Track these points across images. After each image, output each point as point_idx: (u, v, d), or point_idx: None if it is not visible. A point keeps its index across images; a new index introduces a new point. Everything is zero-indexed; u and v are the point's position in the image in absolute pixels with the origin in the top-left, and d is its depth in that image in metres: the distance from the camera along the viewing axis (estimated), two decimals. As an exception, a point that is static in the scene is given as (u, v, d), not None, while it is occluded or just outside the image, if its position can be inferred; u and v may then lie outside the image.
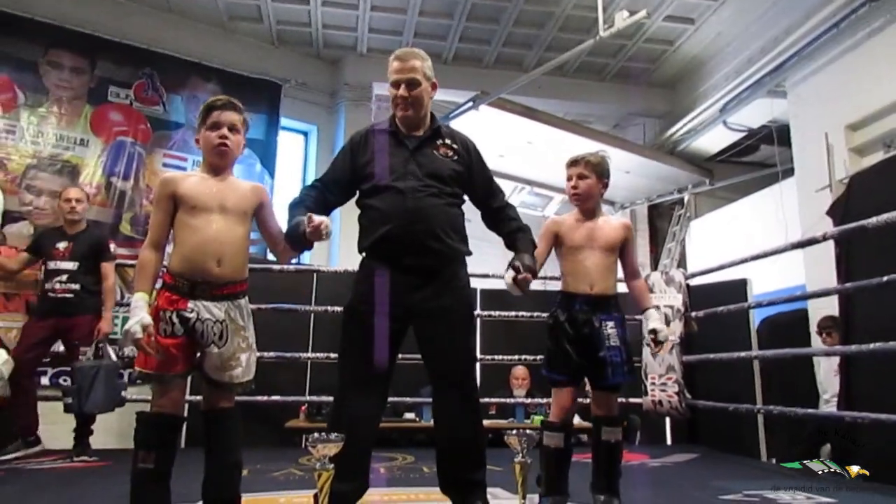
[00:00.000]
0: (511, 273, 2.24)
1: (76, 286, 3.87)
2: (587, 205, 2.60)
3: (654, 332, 2.50)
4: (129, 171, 6.47)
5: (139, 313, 1.92)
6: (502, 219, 2.40)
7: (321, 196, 2.30)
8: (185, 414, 4.05)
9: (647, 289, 2.68)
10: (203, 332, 1.99)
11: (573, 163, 2.60)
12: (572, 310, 2.50)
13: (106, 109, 6.48)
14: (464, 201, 2.35)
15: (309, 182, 2.45)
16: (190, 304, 1.99)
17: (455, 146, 2.32)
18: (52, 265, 3.90)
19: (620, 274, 2.68)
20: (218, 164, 2.12)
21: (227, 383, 2.07)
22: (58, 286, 3.86)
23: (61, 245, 3.93)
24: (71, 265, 3.89)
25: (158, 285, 2.09)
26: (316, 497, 1.90)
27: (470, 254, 2.31)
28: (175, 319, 1.97)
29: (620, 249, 2.60)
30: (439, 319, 2.20)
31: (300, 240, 2.08)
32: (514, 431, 2.10)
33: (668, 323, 4.61)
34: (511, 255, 2.35)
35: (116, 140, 6.47)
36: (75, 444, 3.80)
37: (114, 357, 3.86)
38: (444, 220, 2.21)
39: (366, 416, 2.18)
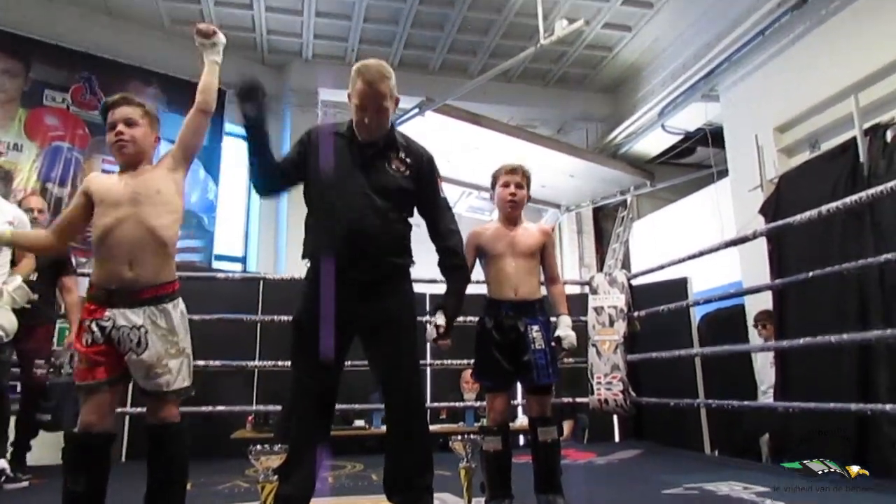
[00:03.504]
0: (431, 331, 2.26)
1: (34, 296, 3.57)
2: (517, 212, 2.67)
3: (558, 339, 2.56)
4: (66, 177, 6.27)
5: None
6: (442, 249, 2.35)
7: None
8: (126, 426, 3.85)
9: (563, 294, 2.75)
10: (119, 340, 1.92)
11: (512, 170, 2.65)
12: (498, 315, 2.56)
13: (41, 113, 6.27)
14: (411, 214, 2.33)
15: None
16: (107, 313, 1.92)
17: (408, 160, 2.26)
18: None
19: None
20: (122, 161, 2.06)
21: (158, 392, 1.98)
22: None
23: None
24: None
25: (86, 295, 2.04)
26: None
27: (413, 264, 2.31)
28: (94, 328, 1.92)
29: (541, 254, 2.66)
30: (383, 328, 2.20)
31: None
32: (459, 437, 2.12)
33: (612, 323, 4.72)
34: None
35: (52, 145, 6.26)
36: (12, 460, 3.60)
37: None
38: (387, 239, 2.20)
39: (315, 423, 2.17)
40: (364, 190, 2.16)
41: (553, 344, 2.55)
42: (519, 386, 3.22)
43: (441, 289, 2.38)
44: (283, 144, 7.88)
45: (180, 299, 2.06)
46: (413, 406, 2.27)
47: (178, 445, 2.04)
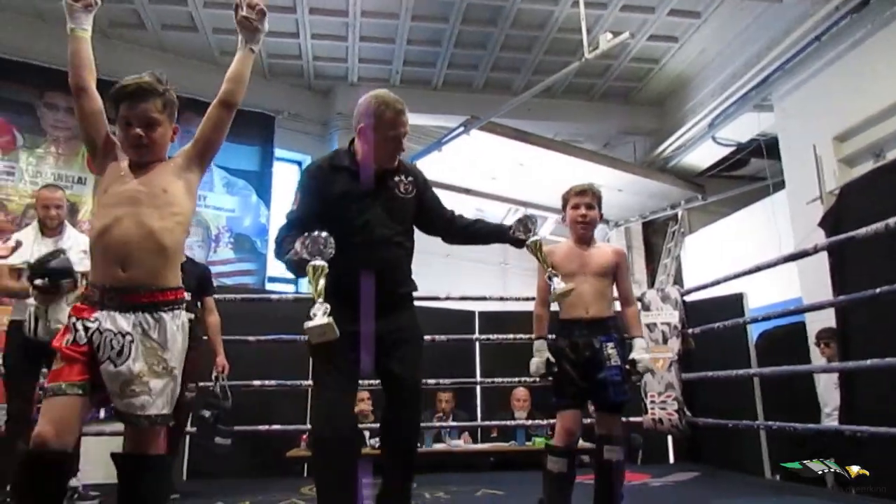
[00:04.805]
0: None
1: (192, 316, 3.56)
2: (589, 233, 2.69)
3: (633, 362, 2.53)
4: (126, 207, 6.54)
5: None
6: (465, 222, 2.45)
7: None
8: (187, 445, 3.76)
9: (637, 316, 2.73)
10: (100, 345, 1.65)
11: (582, 192, 2.67)
12: (572, 335, 2.56)
13: (102, 146, 6.59)
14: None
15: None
16: (95, 314, 1.67)
17: (410, 179, 2.35)
18: None
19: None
20: (135, 158, 1.81)
21: (130, 415, 1.67)
22: None
23: None
24: (187, 295, 3.65)
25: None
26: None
27: (416, 290, 2.40)
28: (80, 327, 1.66)
29: (615, 275, 2.64)
30: (395, 344, 2.25)
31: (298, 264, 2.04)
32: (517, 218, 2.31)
33: (665, 340, 4.62)
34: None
35: (114, 176, 6.54)
36: None
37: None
38: (404, 270, 2.32)
39: (350, 439, 2.21)
40: (386, 220, 2.24)
41: (627, 367, 2.52)
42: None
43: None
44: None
45: (183, 312, 1.79)
46: (414, 423, 2.34)
47: (148, 487, 1.72)
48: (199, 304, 3.71)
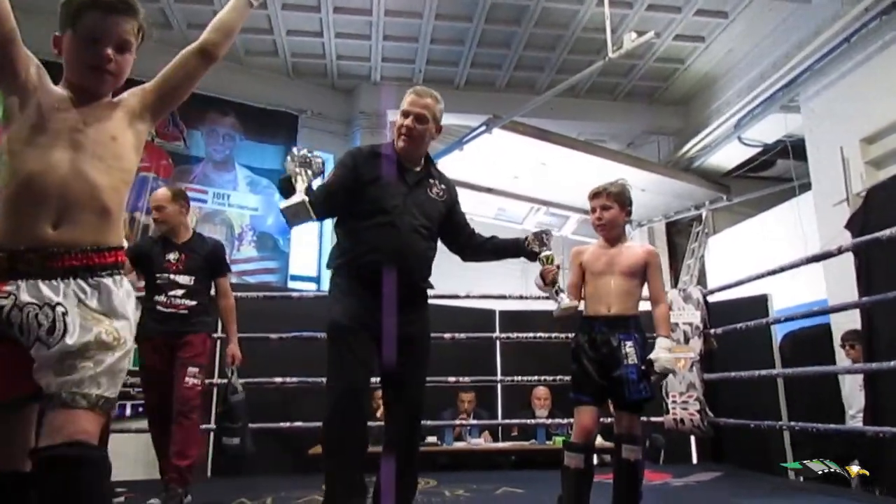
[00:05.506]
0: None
1: (193, 303, 3.29)
2: (612, 233, 2.69)
3: (650, 361, 2.52)
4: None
5: None
6: (483, 239, 2.58)
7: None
8: (211, 442, 3.78)
9: (664, 317, 2.69)
10: (21, 326, 1.26)
11: (595, 195, 2.68)
12: (592, 331, 2.58)
13: (129, 147, 6.72)
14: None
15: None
16: (7, 287, 1.26)
17: (443, 186, 2.46)
18: (163, 278, 3.27)
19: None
20: (91, 88, 1.44)
21: (63, 393, 1.24)
22: (176, 301, 3.25)
23: (172, 256, 3.30)
24: (186, 279, 3.28)
25: None
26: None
27: (433, 287, 2.46)
28: None
29: (645, 275, 2.64)
30: (406, 344, 2.26)
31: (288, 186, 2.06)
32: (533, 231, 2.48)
33: (686, 340, 4.59)
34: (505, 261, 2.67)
35: (139, 176, 6.62)
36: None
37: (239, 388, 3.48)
38: (424, 261, 2.36)
39: (364, 428, 2.24)
40: (414, 215, 2.30)
41: (644, 367, 2.52)
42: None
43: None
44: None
45: (124, 278, 1.41)
46: (417, 425, 2.40)
47: (86, 491, 1.23)
48: (211, 286, 3.40)
